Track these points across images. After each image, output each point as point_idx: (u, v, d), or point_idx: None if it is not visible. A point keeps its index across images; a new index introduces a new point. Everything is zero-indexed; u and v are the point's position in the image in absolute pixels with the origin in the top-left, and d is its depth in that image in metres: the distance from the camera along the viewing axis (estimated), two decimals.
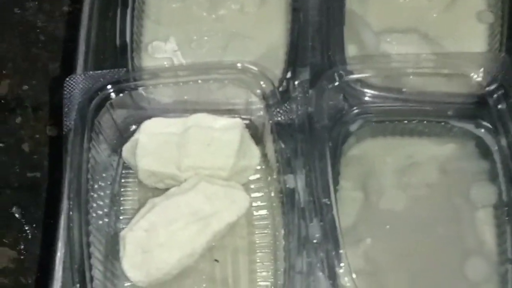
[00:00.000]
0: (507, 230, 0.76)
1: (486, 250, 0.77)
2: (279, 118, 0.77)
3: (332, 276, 0.69)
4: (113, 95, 0.79)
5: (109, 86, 0.78)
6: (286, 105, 0.78)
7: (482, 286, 0.75)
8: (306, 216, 0.72)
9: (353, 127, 0.82)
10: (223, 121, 0.79)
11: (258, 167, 0.81)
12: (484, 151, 0.81)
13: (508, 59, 0.81)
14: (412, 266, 0.76)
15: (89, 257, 0.71)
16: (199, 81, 0.80)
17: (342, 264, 0.69)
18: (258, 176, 0.82)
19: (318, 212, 0.72)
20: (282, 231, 0.74)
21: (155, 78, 0.81)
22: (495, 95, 0.79)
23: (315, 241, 0.71)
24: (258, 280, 0.76)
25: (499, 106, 0.78)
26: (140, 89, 0.81)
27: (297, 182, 0.75)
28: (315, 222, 0.71)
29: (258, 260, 0.77)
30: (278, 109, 0.77)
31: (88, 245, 0.71)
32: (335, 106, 0.82)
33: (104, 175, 0.79)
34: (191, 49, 0.87)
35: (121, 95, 0.79)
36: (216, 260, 0.77)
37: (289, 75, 0.83)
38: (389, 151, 0.83)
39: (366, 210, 0.79)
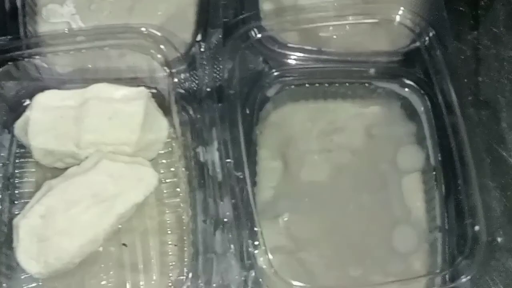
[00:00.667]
0: (436, 196, 0.72)
1: (414, 218, 0.72)
2: (185, 86, 0.70)
3: (247, 257, 0.63)
4: None
5: None
6: (193, 71, 0.71)
7: (411, 256, 0.71)
8: (214, 192, 0.66)
9: (270, 92, 0.76)
10: (125, 91, 0.71)
11: (167, 141, 0.74)
12: (410, 113, 0.76)
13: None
14: (336, 241, 0.71)
15: None
16: (97, 48, 0.72)
17: (256, 243, 0.63)
18: (167, 150, 0.75)
19: (229, 187, 0.65)
20: (194, 210, 0.68)
21: (49, 46, 0.73)
22: (425, 41, 0.74)
23: (226, 219, 0.64)
24: (170, 263, 0.69)
25: (432, 53, 0.73)
26: (33, 58, 0.73)
27: (209, 155, 0.69)
28: (225, 200, 0.65)
29: (169, 242, 0.71)
30: (183, 77, 0.70)
31: None
32: (254, 69, 0.75)
33: None
34: (91, 12, 0.79)
35: (9, 64, 0.71)
36: (124, 244, 0.70)
37: (199, 37, 0.76)
38: (310, 116, 0.77)
39: (286, 181, 0.73)
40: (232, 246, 0.64)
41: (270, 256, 0.63)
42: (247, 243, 0.63)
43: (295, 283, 0.64)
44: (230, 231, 0.65)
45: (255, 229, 0.64)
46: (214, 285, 0.65)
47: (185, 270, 0.68)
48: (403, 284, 0.67)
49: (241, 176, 0.66)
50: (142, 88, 0.71)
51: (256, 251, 0.63)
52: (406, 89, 0.76)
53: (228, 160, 0.67)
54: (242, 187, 0.66)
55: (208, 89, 0.72)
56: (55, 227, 0.65)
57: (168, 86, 0.71)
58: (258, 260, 0.63)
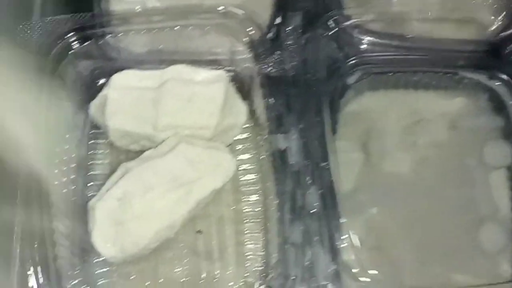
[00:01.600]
0: None
1: (502, 216, 0.69)
2: (269, 70, 0.67)
3: (333, 250, 0.61)
4: (76, 43, 0.68)
5: (71, 34, 0.68)
6: (276, 54, 0.68)
7: (498, 256, 0.67)
8: (301, 182, 0.63)
9: (350, 80, 0.73)
10: (205, 74, 0.68)
11: (245, 126, 0.72)
12: (498, 106, 0.73)
13: None
14: (419, 236, 0.68)
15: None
16: (177, 28, 0.70)
17: (344, 237, 0.61)
18: (245, 135, 0.72)
19: (315, 177, 0.63)
20: (274, 199, 0.65)
21: (125, 24, 0.71)
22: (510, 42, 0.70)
23: (313, 210, 0.62)
24: (246, 253, 0.67)
25: None
26: (108, 37, 0.71)
27: (290, 142, 0.66)
28: (312, 190, 0.62)
29: (246, 231, 0.68)
30: (267, 60, 0.68)
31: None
32: (329, 56, 0.72)
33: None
34: None
35: (86, 43, 0.69)
36: (199, 231, 0.68)
37: (279, 20, 0.72)
38: (391, 106, 0.74)
39: (367, 173, 0.70)
40: (316, 237, 0.61)
41: (355, 250, 0.61)
42: (333, 236, 0.61)
43: (379, 277, 0.61)
44: (314, 222, 0.62)
45: (341, 221, 0.61)
46: (293, 277, 0.62)
47: (263, 260, 0.66)
48: None
49: (327, 167, 0.63)
50: (222, 71, 0.69)
51: (343, 245, 0.60)
52: (494, 81, 0.72)
53: (312, 149, 0.64)
54: (326, 178, 0.63)
55: (289, 74, 0.69)
56: (132, 211, 0.63)
57: (251, 69, 0.69)
58: (344, 254, 0.60)
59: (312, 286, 0.59)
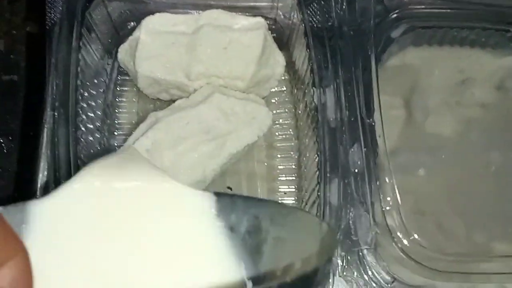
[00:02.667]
0: None
1: None
2: (307, 20, 0.63)
3: (374, 213, 0.57)
4: None
5: None
6: (319, 4, 0.64)
7: None
8: (341, 139, 0.59)
9: (395, 34, 0.68)
10: (243, 21, 0.64)
11: (283, 78, 0.68)
12: None
13: None
14: (461, 202, 0.64)
15: None
16: None
17: (388, 199, 0.57)
18: (281, 88, 0.68)
19: (359, 134, 0.59)
20: (311, 156, 0.62)
21: None
22: None
23: (356, 170, 0.58)
24: None
25: None
26: None
27: (328, 97, 0.62)
28: (355, 148, 0.59)
29: (279, 189, 0.65)
30: (311, 8, 0.63)
31: (77, 166, 0.57)
32: (379, 8, 0.68)
33: (95, 81, 0.65)
34: None
35: None
36: (229, 188, 0.65)
37: None
38: (436, 63, 0.70)
39: (409, 132, 0.67)
40: (357, 198, 0.58)
41: (397, 213, 0.57)
42: (377, 198, 0.57)
43: (421, 242, 0.58)
44: (356, 182, 0.58)
45: (387, 181, 0.57)
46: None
47: None
48: None
49: (373, 123, 0.59)
50: (260, 18, 0.65)
51: (387, 208, 0.57)
52: None
53: (357, 104, 0.60)
54: (371, 136, 0.59)
55: (334, 25, 0.64)
56: (162, 163, 0.60)
57: (293, 18, 0.64)
58: (388, 218, 0.57)
59: (352, 251, 0.56)
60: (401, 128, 0.66)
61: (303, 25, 0.63)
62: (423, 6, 0.69)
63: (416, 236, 0.59)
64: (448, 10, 0.69)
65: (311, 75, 0.63)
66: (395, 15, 0.68)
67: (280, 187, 0.65)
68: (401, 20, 0.68)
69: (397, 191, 0.59)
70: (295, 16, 0.65)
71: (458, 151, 0.66)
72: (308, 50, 0.63)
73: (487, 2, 0.69)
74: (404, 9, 0.69)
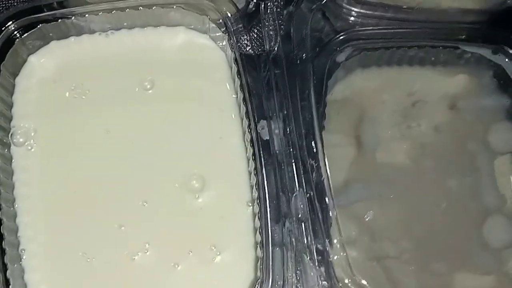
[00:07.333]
0: None
1: (509, 207, 0.63)
2: (242, 48, 0.60)
3: (318, 253, 0.54)
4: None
5: None
6: (254, 31, 0.61)
7: (505, 251, 0.61)
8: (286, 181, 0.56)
9: (340, 57, 0.65)
10: None
11: None
12: (504, 84, 0.66)
13: None
14: (418, 232, 0.62)
15: None
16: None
17: (335, 241, 0.54)
18: None
19: (301, 179, 0.56)
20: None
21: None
22: None
23: (299, 215, 0.55)
24: None
25: None
26: None
27: (273, 132, 0.59)
28: (298, 193, 0.56)
29: None
30: (242, 38, 0.60)
31: None
32: (321, 32, 0.66)
33: None
34: None
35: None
36: None
37: None
38: (384, 85, 0.67)
39: (359, 163, 0.64)
40: (304, 240, 0.55)
41: (345, 253, 0.54)
42: (321, 239, 0.54)
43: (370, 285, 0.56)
44: (300, 225, 0.55)
45: (331, 224, 0.55)
46: (279, 282, 0.56)
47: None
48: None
49: (315, 164, 0.56)
50: None
51: (330, 249, 0.54)
52: (500, 55, 0.66)
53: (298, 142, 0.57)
54: (315, 178, 0.56)
55: (270, 53, 0.61)
56: None
57: (226, 47, 0.61)
58: (332, 257, 0.54)
59: None
60: (351, 161, 0.64)
61: (233, 55, 0.60)
62: (370, 27, 0.66)
63: (363, 275, 0.56)
64: (396, 30, 0.67)
65: (250, 108, 0.59)
66: (340, 37, 0.66)
67: None
68: (347, 43, 0.66)
69: (345, 230, 0.56)
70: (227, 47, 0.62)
71: (412, 179, 0.64)
72: (239, 77, 0.60)
73: (434, 19, 0.67)
74: (349, 31, 0.66)
